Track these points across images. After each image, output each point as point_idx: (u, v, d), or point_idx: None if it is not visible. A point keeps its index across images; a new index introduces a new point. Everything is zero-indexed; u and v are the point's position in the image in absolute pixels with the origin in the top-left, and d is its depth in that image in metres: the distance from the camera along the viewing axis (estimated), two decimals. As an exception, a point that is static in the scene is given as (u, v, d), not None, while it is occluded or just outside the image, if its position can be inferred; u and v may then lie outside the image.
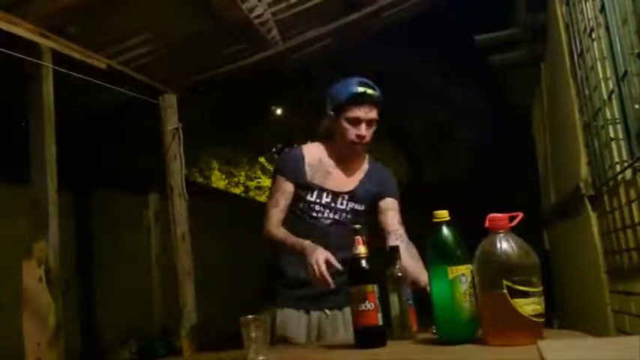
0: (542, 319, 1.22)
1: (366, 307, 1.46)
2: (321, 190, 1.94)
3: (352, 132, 1.90)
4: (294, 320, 1.91)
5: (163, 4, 3.13)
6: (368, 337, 1.47)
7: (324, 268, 1.63)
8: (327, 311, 1.92)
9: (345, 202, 1.95)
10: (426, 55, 7.91)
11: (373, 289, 1.47)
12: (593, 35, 2.49)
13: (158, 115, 4.12)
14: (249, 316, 1.51)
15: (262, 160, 11.20)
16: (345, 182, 1.98)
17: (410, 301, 1.58)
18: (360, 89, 1.88)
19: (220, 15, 3.27)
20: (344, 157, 1.99)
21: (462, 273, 1.34)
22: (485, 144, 8.82)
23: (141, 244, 6.07)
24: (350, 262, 1.54)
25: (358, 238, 1.54)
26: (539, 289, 1.24)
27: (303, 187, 1.94)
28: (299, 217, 1.95)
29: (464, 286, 1.33)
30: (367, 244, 1.54)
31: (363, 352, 1.47)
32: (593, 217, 2.74)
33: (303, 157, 1.98)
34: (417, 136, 10.79)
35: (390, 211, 1.96)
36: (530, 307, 1.21)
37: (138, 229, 6.13)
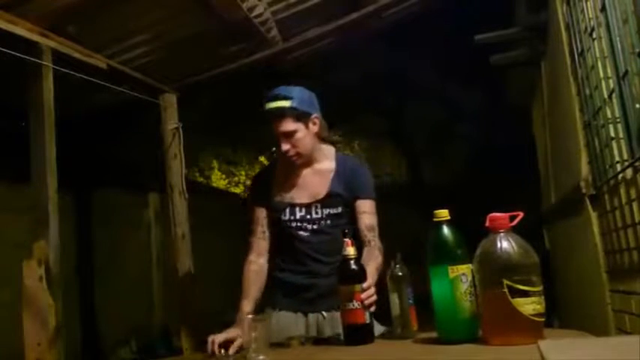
0: (542, 319, 1.23)
1: (353, 305, 1.52)
2: (292, 206, 1.94)
3: (280, 146, 1.88)
4: (291, 322, 1.92)
5: (163, 3, 3.12)
6: (355, 334, 1.54)
7: (215, 347, 1.63)
8: (325, 313, 1.92)
9: (319, 211, 1.92)
10: (426, 55, 7.90)
11: (360, 289, 1.53)
12: (594, 34, 2.48)
13: (158, 115, 4.12)
14: (250, 316, 1.51)
15: (262, 159, 11.19)
16: (315, 189, 1.94)
17: (411, 301, 1.58)
18: (267, 106, 1.85)
19: (220, 14, 3.27)
20: (306, 163, 1.96)
21: (463, 272, 1.34)
22: (486, 143, 8.81)
23: (141, 243, 6.07)
24: (339, 263, 1.59)
25: (347, 240, 1.58)
26: (540, 288, 1.24)
27: (275, 209, 1.96)
28: (280, 234, 1.97)
29: (464, 286, 1.33)
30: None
31: (363, 351, 1.48)
32: (593, 216, 2.74)
33: (270, 177, 2.00)
34: (417, 135, 10.77)
35: (362, 214, 1.91)
36: (530, 306, 1.21)
37: (138, 228, 6.13)
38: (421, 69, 8.30)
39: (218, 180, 10.76)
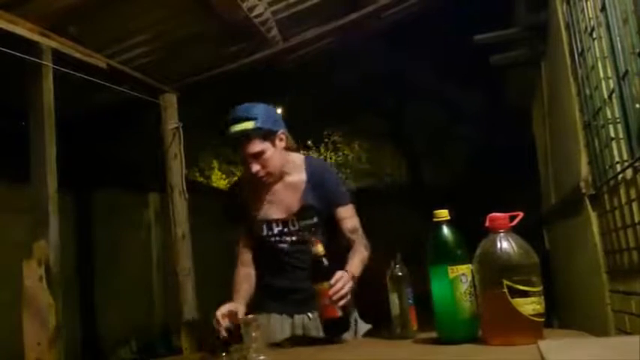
0: (542, 319, 1.23)
1: (325, 302, 1.62)
2: (269, 222, 1.95)
3: (248, 167, 1.85)
4: (277, 324, 1.95)
5: (163, 3, 3.12)
6: (332, 327, 1.67)
7: (219, 315, 1.68)
8: (310, 314, 1.94)
9: (296, 223, 1.93)
10: (425, 55, 7.91)
11: (328, 285, 1.61)
12: (594, 34, 2.48)
13: (158, 115, 4.12)
14: (249, 316, 1.51)
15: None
16: (289, 203, 1.94)
17: (410, 301, 1.58)
18: (231, 129, 1.80)
19: (220, 14, 3.27)
20: (277, 178, 1.94)
21: (463, 272, 1.34)
22: (486, 144, 8.81)
23: (141, 243, 6.07)
24: (310, 263, 1.67)
25: (314, 239, 1.66)
26: (539, 288, 1.24)
27: (253, 224, 1.97)
28: (260, 247, 1.99)
29: (464, 286, 1.33)
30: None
31: (363, 351, 1.48)
32: (593, 216, 2.74)
33: (244, 195, 1.99)
34: (417, 135, 10.78)
35: (343, 220, 1.92)
36: (530, 306, 1.21)
37: (138, 228, 6.13)
38: (421, 70, 8.29)
39: (218, 180, 10.77)
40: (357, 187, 9.83)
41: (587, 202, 2.77)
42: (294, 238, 1.94)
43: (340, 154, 11.20)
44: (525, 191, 5.29)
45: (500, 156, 8.01)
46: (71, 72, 3.14)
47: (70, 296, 3.55)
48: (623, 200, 2.21)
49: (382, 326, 1.76)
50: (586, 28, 2.60)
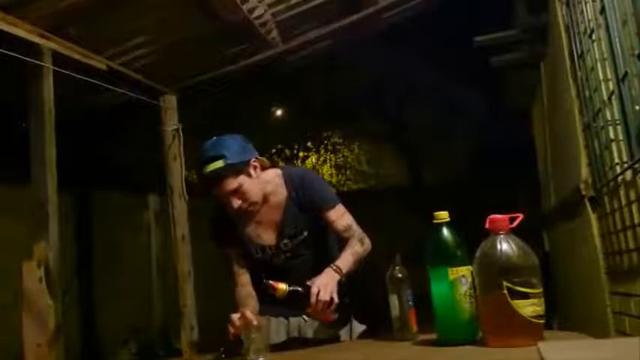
0: (542, 321, 1.23)
1: (317, 318, 1.79)
2: (262, 247, 1.93)
3: (229, 205, 1.80)
4: (273, 326, 1.93)
5: (164, 4, 3.13)
6: (335, 324, 1.87)
7: (234, 320, 1.62)
8: (305, 317, 1.93)
9: (287, 242, 1.91)
10: (425, 57, 7.91)
11: (309, 310, 1.70)
12: (594, 36, 2.48)
13: (158, 116, 4.12)
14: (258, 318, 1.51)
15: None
16: (277, 224, 1.91)
17: (410, 303, 1.58)
18: (204, 170, 1.76)
19: (221, 16, 3.27)
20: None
21: (463, 274, 1.34)
22: (486, 145, 8.80)
23: (141, 244, 6.07)
24: (289, 298, 1.68)
25: (270, 286, 1.65)
26: (539, 290, 1.24)
27: (246, 246, 1.95)
28: (256, 265, 1.96)
29: (464, 288, 1.34)
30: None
31: (361, 352, 1.48)
32: (593, 218, 2.73)
33: (230, 223, 1.94)
34: (417, 136, 10.78)
35: (333, 223, 1.88)
36: (530, 308, 1.21)
37: (138, 229, 6.13)
38: (421, 70, 8.30)
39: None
40: (357, 189, 9.83)
41: (587, 203, 2.77)
42: (288, 254, 1.93)
43: (340, 155, 11.21)
44: (525, 193, 5.28)
45: (500, 157, 8.00)
46: (71, 73, 3.14)
47: (70, 296, 3.55)
48: (623, 202, 2.21)
49: (382, 327, 1.77)
50: (585, 30, 2.60)
